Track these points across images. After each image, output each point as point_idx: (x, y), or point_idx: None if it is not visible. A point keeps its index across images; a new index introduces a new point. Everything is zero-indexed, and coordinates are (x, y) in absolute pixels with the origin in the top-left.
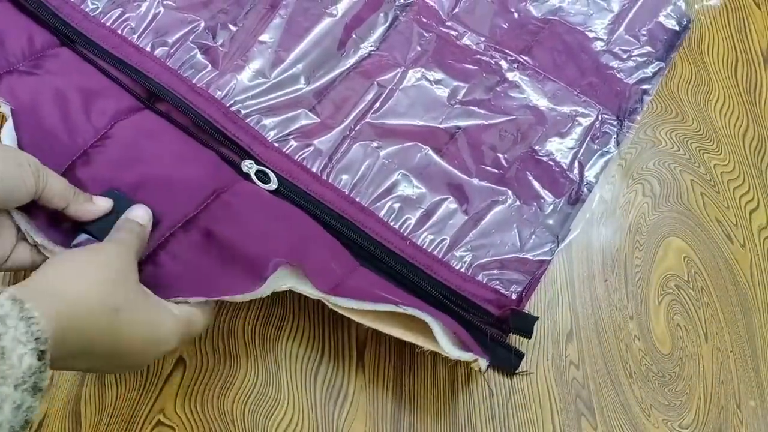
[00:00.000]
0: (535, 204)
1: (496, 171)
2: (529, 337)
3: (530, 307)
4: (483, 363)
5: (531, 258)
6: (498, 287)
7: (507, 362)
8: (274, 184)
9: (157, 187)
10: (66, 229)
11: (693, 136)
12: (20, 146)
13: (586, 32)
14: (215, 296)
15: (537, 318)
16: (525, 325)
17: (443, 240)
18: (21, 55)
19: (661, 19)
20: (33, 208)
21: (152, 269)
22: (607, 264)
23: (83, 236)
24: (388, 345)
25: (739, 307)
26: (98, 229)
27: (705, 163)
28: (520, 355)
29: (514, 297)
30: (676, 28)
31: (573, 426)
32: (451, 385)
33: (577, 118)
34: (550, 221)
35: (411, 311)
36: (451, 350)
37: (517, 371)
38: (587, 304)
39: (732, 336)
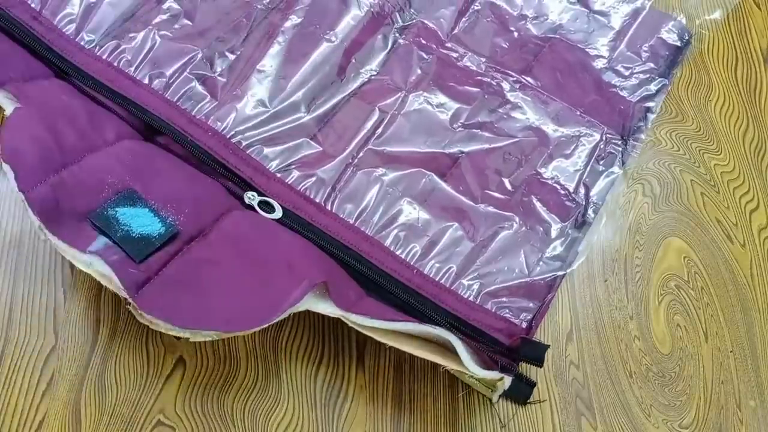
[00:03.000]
0: (541, 229)
1: (501, 196)
2: (540, 366)
3: None
4: (508, 380)
5: (539, 284)
6: (507, 315)
7: (518, 391)
8: (278, 213)
9: (174, 198)
10: (79, 228)
11: (693, 136)
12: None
13: (587, 50)
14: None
15: (548, 346)
16: (536, 353)
17: (450, 268)
18: (21, 77)
19: (663, 34)
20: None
21: (159, 280)
22: (607, 264)
23: (102, 241)
24: (388, 345)
25: (739, 307)
26: (107, 225)
27: (705, 163)
28: (531, 384)
29: (524, 325)
30: (678, 43)
31: (573, 426)
32: (451, 386)
33: (581, 139)
34: (557, 246)
35: (435, 330)
36: (475, 369)
37: (528, 401)
38: (587, 304)
39: (732, 336)
